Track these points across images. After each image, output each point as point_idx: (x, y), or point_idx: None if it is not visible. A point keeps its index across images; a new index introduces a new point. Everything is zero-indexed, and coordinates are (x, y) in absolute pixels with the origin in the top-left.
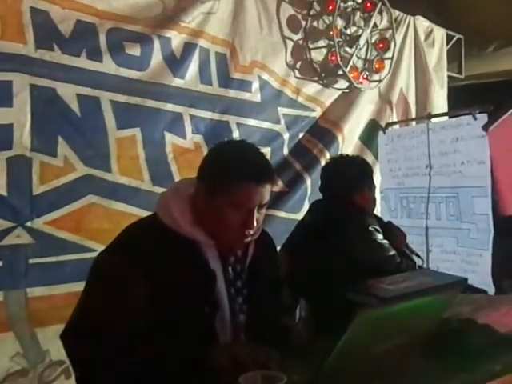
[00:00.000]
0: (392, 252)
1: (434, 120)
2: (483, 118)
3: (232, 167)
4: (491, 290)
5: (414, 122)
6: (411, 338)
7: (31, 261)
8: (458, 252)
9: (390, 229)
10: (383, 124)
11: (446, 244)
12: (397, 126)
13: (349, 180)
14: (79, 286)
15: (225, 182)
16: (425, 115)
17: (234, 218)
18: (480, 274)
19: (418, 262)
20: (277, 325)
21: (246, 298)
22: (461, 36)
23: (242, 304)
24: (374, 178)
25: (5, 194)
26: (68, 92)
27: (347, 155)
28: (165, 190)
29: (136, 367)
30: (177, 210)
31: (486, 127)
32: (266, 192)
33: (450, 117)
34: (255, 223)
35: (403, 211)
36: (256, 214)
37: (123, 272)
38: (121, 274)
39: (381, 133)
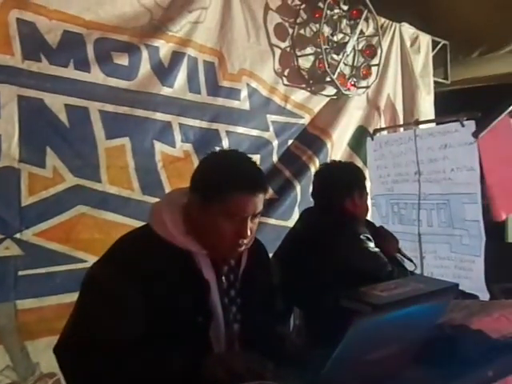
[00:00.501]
0: (383, 260)
1: (421, 126)
2: (471, 125)
3: (225, 178)
4: (485, 296)
5: (401, 128)
6: (405, 345)
7: (20, 273)
8: (451, 258)
9: (381, 234)
10: (371, 130)
11: (439, 250)
12: (385, 132)
13: (338, 187)
14: (69, 298)
15: (218, 192)
16: (412, 121)
17: (227, 227)
18: (473, 279)
19: (411, 267)
20: (271, 333)
21: (239, 307)
22: (446, 42)
23: (236, 313)
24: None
25: None
26: (56, 102)
27: (339, 161)
28: (155, 199)
29: (132, 379)
30: (170, 221)
31: (476, 133)
32: (260, 201)
33: (437, 123)
34: (249, 232)
35: (394, 217)
36: (249, 224)
37: (117, 284)
38: (114, 287)
39: (369, 139)
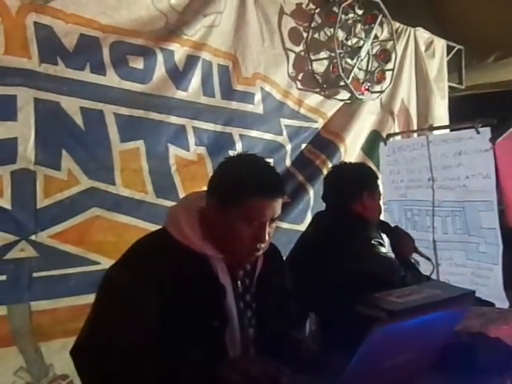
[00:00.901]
0: (396, 265)
1: (435, 132)
2: (486, 132)
3: (244, 182)
4: (504, 304)
5: (415, 134)
6: (422, 352)
7: (35, 274)
8: (467, 265)
9: (397, 234)
10: (385, 135)
11: (454, 257)
12: (398, 137)
13: (347, 189)
14: (83, 300)
15: (237, 197)
16: (426, 126)
17: (246, 232)
18: (491, 287)
19: (428, 267)
20: (286, 338)
21: (254, 311)
22: (461, 47)
23: (251, 318)
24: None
25: (9, 207)
26: (72, 105)
27: (349, 163)
28: (168, 202)
29: (150, 381)
30: (186, 225)
31: (493, 139)
32: (278, 206)
33: (452, 129)
34: (267, 237)
35: (408, 223)
36: (268, 228)
37: (134, 287)
38: (132, 290)
39: (382, 144)
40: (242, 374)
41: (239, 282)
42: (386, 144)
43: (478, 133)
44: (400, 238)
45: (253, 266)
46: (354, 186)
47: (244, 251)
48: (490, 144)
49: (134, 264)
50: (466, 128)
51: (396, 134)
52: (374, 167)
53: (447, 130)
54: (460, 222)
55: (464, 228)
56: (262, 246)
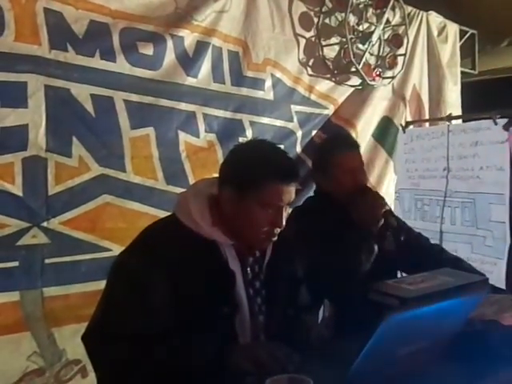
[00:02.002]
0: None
1: (453, 122)
2: (504, 123)
3: (262, 167)
4: None
5: (428, 123)
6: (436, 340)
7: (47, 261)
8: (471, 259)
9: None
10: (396, 121)
11: (459, 250)
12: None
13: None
14: (94, 286)
15: (255, 182)
16: (439, 112)
17: (263, 217)
18: (492, 281)
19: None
20: (296, 324)
21: (264, 298)
22: (474, 31)
23: (261, 305)
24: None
25: (21, 194)
26: (82, 92)
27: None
28: (179, 188)
29: (160, 368)
30: (196, 211)
31: (507, 126)
32: (293, 190)
33: (468, 120)
34: (283, 222)
35: (417, 213)
36: (284, 213)
37: (145, 272)
38: (143, 275)
39: (400, 131)
40: (252, 360)
41: (249, 269)
42: (404, 132)
43: (496, 124)
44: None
45: (262, 253)
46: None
47: (261, 237)
48: (506, 135)
49: (145, 250)
50: (483, 118)
51: (415, 121)
52: (384, 153)
53: (459, 121)
54: (469, 214)
55: (473, 220)
56: (277, 231)
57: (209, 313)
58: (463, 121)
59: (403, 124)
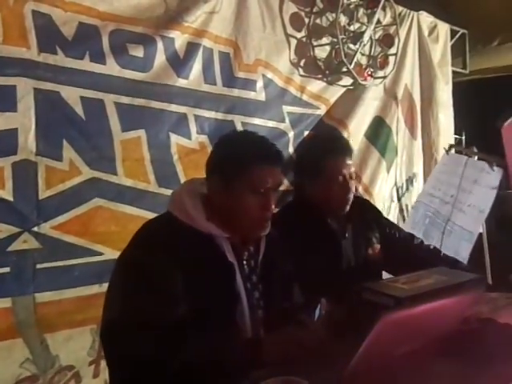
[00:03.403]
0: None
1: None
2: (499, 172)
3: (248, 153)
4: None
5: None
6: (431, 339)
7: (39, 266)
8: None
9: None
10: (388, 120)
11: None
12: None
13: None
14: (88, 290)
15: (243, 168)
16: (436, 115)
17: (253, 202)
18: None
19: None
20: (292, 320)
21: (261, 293)
22: (465, 31)
23: (259, 299)
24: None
25: (11, 199)
26: (72, 95)
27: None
28: (171, 191)
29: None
30: (191, 206)
31: (501, 123)
32: (280, 174)
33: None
34: (273, 206)
35: (421, 228)
36: (272, 197)
37: (156, 263)
38: (155, 265)
39: (444, 152)
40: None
41: (245, 263)
42: (448, 153)
43: (493, 170)
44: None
45: (256, 249)
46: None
47: (253, 223)
48: (498, 183)
49: (148, 244)
50: (483, 160)
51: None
52: (377, 153)
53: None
54: (448, 243)
55: (448, 249)
56: (270, 215)
57: (211, 305)
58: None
59: (396, 124)
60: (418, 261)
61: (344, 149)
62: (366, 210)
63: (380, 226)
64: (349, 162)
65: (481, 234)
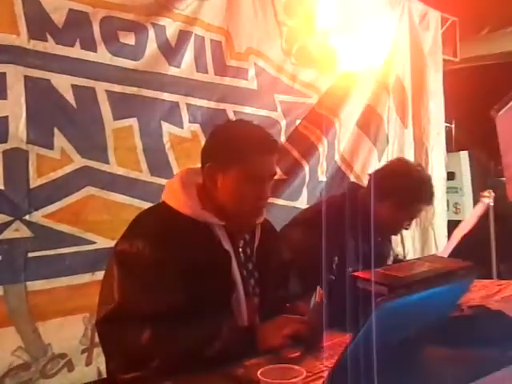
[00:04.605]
0: None
1: None
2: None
3: (244, 141)
4: None
5: None
6: (425, 327)
7: (30, 254)
8: None
9: None
10: (379, 109)
11: None
12: None
13: None
14: (79, 279)
15: (239, 156)
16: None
17: (249, 190)
18: None
19: None
20: (286, 309)
21: (257, 280)
22: (455, 18)
23: (255, 286)
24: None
25: (2, 187)
26: (63, 83)
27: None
28: (163, 180)
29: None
30: (185, 196)
31: (495, 112)
32: (275, 162)
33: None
34: (269, 194)
35: None
36: (268, 185)
37: (150, 255)
38: (148, 258)
39: None
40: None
41: (241, 251)
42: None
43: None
44: None
45: (251, 237)
46: None
47: (249, 211)
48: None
49: (144, 234)
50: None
51: None
52: (369, 142)
53: None
54: None
55: None
56: (265, 203)
57: (207, 292)
58: None
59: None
60: None
61: None
62: None
63: None
64: None
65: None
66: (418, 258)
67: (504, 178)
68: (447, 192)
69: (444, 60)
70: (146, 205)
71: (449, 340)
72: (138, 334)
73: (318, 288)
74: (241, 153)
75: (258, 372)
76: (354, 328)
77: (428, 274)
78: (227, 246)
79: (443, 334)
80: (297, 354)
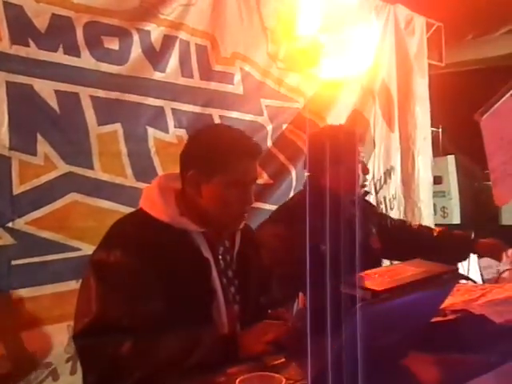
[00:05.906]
0: None
1: None
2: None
3: (227, 147)
4: None
5: None
6: (408, 331)
7: (14, 262)
8: None
9: None
10: (365, 114)
11: None
12: None
13: None
14: (64, 287)
15: (222, 162)
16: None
17: (233, 196)
18: None
19: None
20: (267, 315)
21: (237, 287)
22: (440, 24)
23: (235, 294)
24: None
25: None
26: (46, 88)
27: None
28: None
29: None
30: (163, 203)
31: (479, 115)
32: (257, 167)
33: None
34: (252, 199)
35: None
36: (252, 190)
37: (127, 265)
38: (125, 268)
39: None
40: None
41: (220, 258)
42: None
43: None
44: None
45: (231, 243)
46: None
47: (232, 217)
48: None
49: (120, 243)
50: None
51: None
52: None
53: None
54: None
55: None
56: (248, 208)
57: (187, 300)
58: None
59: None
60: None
61: None
62: None
63: None
64: None
65: None
66: (402, 262)
67: (490, 182)
68: (434, 196)
69: (430, 65)
70: (132, 210)
71: (432, 344)
72: (117, 347)
73: (301, 294)
74: (225, 160)
75: (237, 380)
76: (337, 333)
77: (411, 278)
78: (207, 253)
79: (426, 339)
80: (281, 361)
